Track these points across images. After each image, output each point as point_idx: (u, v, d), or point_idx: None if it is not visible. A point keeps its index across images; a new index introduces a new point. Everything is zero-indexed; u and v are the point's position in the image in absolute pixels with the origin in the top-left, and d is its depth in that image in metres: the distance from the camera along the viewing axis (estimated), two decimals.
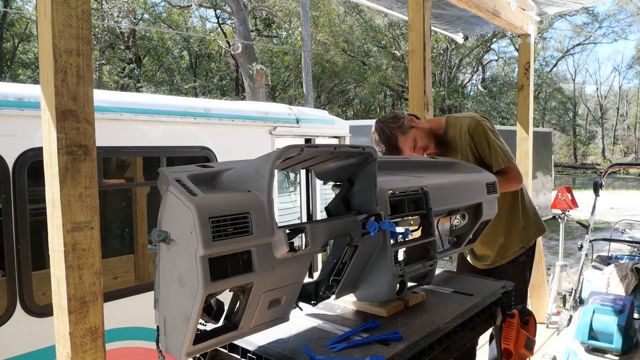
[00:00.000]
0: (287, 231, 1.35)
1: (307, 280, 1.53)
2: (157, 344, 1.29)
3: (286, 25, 23.44)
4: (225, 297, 1.34)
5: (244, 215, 1.23)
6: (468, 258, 2.82)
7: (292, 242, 1.36)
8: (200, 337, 1.27)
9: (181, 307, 1.21)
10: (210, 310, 1.30)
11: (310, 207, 5.16)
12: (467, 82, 32.09)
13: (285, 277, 1.38)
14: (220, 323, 1.35)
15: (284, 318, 1.47)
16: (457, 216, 2.25)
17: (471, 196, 2.15)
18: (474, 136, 2.50)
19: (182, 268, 1.19)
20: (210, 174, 1.35)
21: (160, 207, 1.23)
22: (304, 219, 5.15)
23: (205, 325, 1.33)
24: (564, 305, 5.15)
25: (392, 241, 1.70)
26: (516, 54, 24.77)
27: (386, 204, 1.69)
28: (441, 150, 2.57)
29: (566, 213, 5.46)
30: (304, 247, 1.40)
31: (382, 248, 1.67)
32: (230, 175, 1.35)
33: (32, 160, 3.00)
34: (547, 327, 4.63)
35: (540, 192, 13.10)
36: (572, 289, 4.92)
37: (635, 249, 4.89)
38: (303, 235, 1.40)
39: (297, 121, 4.75)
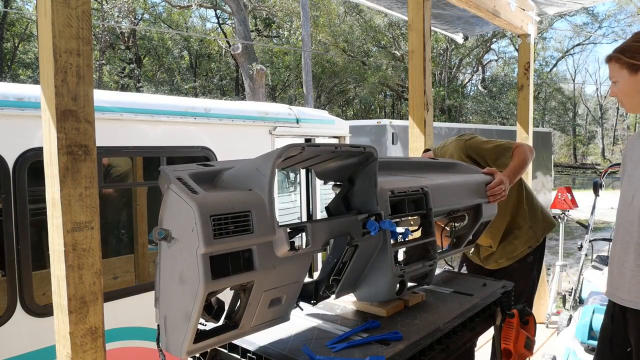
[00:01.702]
0: (288, 230, 1.35)
1: (307, 279, 1.53)
2: (158, 343, 1.29)
3: (287, 25, 23.43)
4: (226, 296, 1.34)
5: (245, 213, 1.24)
6: (473, 258, 2.81)
7: (293, 241, 1.36)
8: (201, 336, 1.27)
9: (182, 306, 1.21)
10: (211, 309, 1.30)
11: (310, 207, 5.15)
12: (467, 82, 32.09)
13: (286, 276, 1.38)
14: (221, 322, 1.35)
15: (284, 317, 1.47)
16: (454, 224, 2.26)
17: (471, 197, 2.15)
18: (472, 154, 2.52)
19: (183, 266, 1.19)
20: (212, 172, 1.36)
21: (162, 206, 1.24)
22: (304, 219, 5.15)
23: (206, 325, 1.33)
24: (564, 305, 5.15)
25: (392, 241, 1.70)
26: (516, 54, 24.81)
27: (386, 203, 1.69)
28: None
29: (566, 213, 5.47)
30: (304, 246, 1.40)
31: (382, 248, 1.67)
32: (231, 174, 1.35)
33: (32, 160, 3.00)
34: (547, 327, 4.63)
35: (540, 192, 13.10)
36: (572, 289, 4.94)
37: None
38: (304, 234, 1.41)
39: (297, 121, 4.75)
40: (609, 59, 1.87)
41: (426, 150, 2.94)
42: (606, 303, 2.00)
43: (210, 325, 1.34)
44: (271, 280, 1.33)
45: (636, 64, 1.78)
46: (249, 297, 1.30)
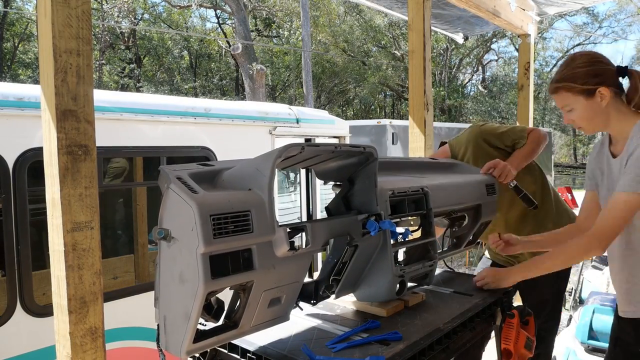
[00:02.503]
0: (288, 230, 1.35)
1: (307, 279, 1.53)
2: (158, 343, 1.29)
3: (287, 25, 23.45)
4: (225, 296, 1.34)
5: (244, 213, 1.24)
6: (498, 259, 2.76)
7: (293, 241, 1.36)
8: (201, 335, 1.27)
9: (181, 305, 1.21)
10: (211, 309, 1.30)
11: (310, 207, 5.15)
12: (467, 82, 32.10)
13: (286, 275, 1.38)
14: (221, 322, 1.35)
15: (284, 317, 1.47)
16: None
17: (471, 197, 2.15)
18: (488, 139, 2.49)
19: (182, 266, 1.19)
20: (211, 172, 1.36)
21: (162, 205, 1.24)
22: (304, 219, 5.15)
23: (205, 325, 1.33)
24: (564, 305, 5.15)
25: (392, 241, 1.70)
26: (516, 54, 24.77)
27: (386, 203, 1.69)
28: None
29: None
30: (304, 246, 1.40)
31: (382, 248, 1.67)
32: (231, 174, 1.35)
33: (32, 160, 3.00)
34: None
35: None
36: (572, 289, 4.93)
37: None
38: (303, 234, 1.41)
39: (297, 121, 4.75)
40: (557, 90, 1.79)
41: (442, 144, 2.89)
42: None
43: (210, 325, 1.34)
44: (271, 280, 1.33)
45: (590, 88, 1.72)
46: (248, 297, 1.30)
